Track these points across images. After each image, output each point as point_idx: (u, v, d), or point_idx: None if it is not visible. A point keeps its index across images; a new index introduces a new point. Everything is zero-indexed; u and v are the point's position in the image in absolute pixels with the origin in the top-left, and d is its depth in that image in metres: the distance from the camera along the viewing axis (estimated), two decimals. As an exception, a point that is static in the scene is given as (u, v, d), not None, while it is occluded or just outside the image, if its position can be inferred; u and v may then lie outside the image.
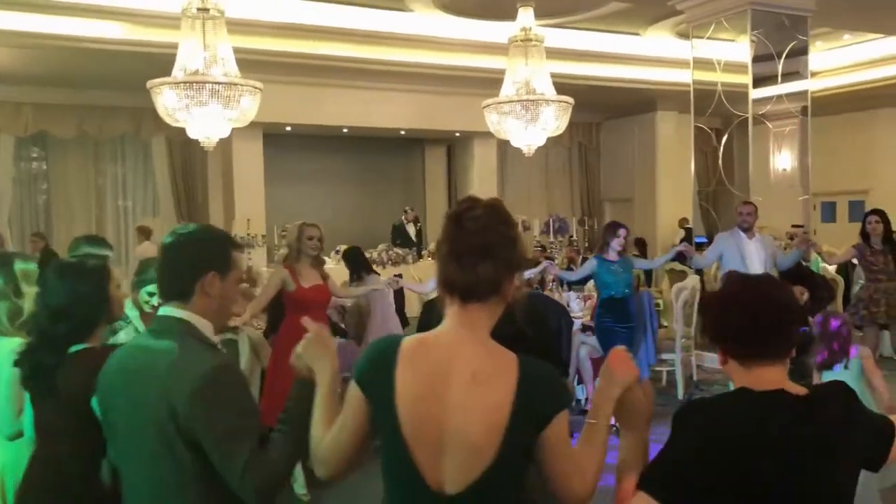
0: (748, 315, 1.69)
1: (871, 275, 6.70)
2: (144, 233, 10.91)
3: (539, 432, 1.58)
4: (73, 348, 2.28)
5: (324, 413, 1.74)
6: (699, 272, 8.64)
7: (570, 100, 8.92)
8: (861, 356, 4.31)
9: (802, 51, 8.45)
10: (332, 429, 1.70)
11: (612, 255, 6.45)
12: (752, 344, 1.70)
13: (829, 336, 4.32)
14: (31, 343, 2.35)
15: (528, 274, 7.29)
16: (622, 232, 6.46)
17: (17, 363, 2.35)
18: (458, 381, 1.58)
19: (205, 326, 1.92)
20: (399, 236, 13.24)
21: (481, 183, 14.02)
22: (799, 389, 1.70)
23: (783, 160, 8.77)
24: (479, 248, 1.60)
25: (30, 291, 3.01)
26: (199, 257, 1.94)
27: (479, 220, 1.62)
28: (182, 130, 7.53)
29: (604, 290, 6.47)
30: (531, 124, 8.75)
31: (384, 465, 1.66)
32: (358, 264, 7.10)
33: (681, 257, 8.10)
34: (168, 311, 1.92)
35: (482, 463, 1.56)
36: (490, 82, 9.96)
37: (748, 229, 6.67)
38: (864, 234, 6.76)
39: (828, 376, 4.30)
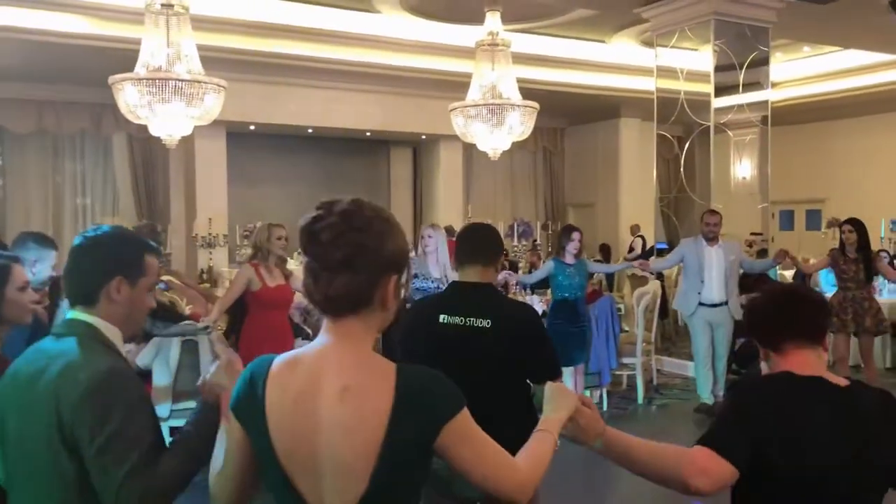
0: (790, 307, 1.99)
1: (842, 283, 6.82)
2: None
3: (430, 444, 1.48)
4: None
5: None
6: (660, 277, 8.75)
7: (536, 105, 8.98)
8: None
9: (763, 61, 8.61)
10: (221, 462, 1.61)
11: (568, 258, 6.56)
12: (790, 332, 1.95)
13: None
14: None
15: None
16: (576, 235, 6.59)
17: None
18: (328, 398, 1.47)
19: (112, 333, 1.82)
20: None
21: (447, 186, 14.04)
22: (838, 379, 1.92)
23: (743, 168, 8.92)
24: (335, 262, 1.48)
25: None
26: (106, 261, 1.84)
27: (333, 230, 1.48)
28: (143, 127, 7.44)
29: (557, 291, 6.56)
30: (497, 128, 8.79)
31: (268, 489, 1.56)
32: None
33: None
34: (74, 314, 1.83)
35: (360, 484, 1.46)
36: (456, 85, 9.98)
37: (712, 238, 6.75)
38: (841, 243, 6.91)
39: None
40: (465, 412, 1.51)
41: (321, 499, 1.49)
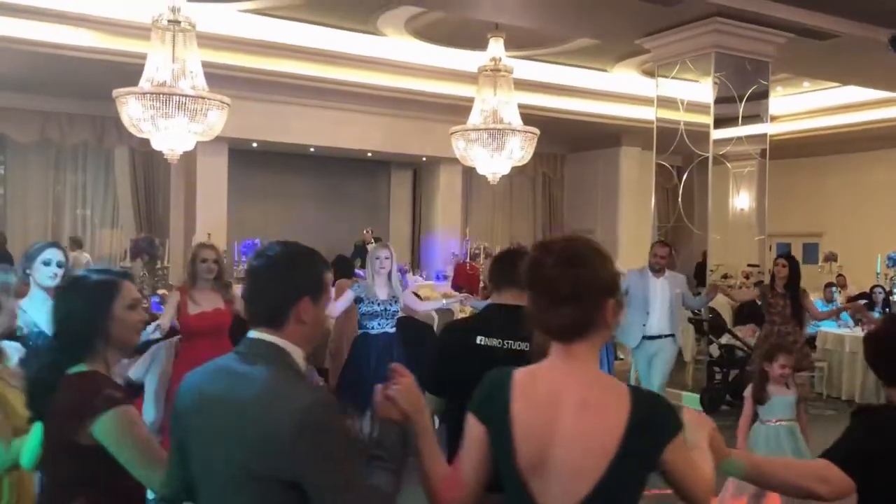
0: None
1: (769, 316, 6.85)
2: (77, 243, 11.00)
3: (657, 458, 1.67)
4: (73, 370, 2.07)
5: (434, 451, 1.79)
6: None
7: (536, 130, 9.05)
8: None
9: (763, 95, 8.68)
10: (462, 459, 1.77)
11: None
12: None
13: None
14: (39, 362, 2.17)
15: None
16: None
17: (26, 385, 2.18)
18: (569, 409, 1.66)
19: (297, 354, 1.78)
20: (360, 256, 13.20)
21: (446, 208, 14.08)
22: None
23: (741, 200, 8.96)
24: (561, 297, 1.66)
25: (8, 304, 2.87)
26: (295, 282, 1.78)
27: (556, 268, 1.67)
28: (146, 141, 7.48)
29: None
30: (497, 153, 8.85)
31: (502, 489, 1.74)
32: (341, 272, 7.14)
33: None
34: (259, 335, 1.77)
35: (584, 488, 1.64)
36: (458, 109, 10.06)
37: (659, 270, 6.62)
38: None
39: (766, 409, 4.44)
40: (681, 433, 1.72)
41: (547, 499, 1.66)
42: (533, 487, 1.67)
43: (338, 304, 5.74)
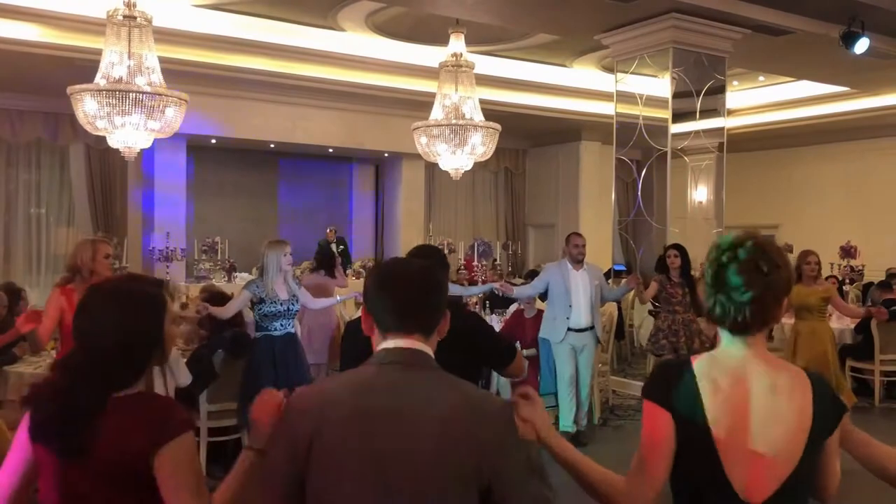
0: None
1: (670, 307, 6.93)
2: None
3: (832, 434, 1.77)
4: (124, 391, 1.88)
5: (591, 461, 1.81)
6: (618, 301, 8.83)
7: (498, 126, 9.07)
8: None
9: (720, 89, 8.82)
10: (649, 459, 1.77)
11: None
12: None
13: None
14: (60, 382, 1.86)
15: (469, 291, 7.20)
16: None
17: (33, 409, 1.87)
18: (759, 393, 1.74)
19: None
20: (325, 256, 13.09)
21: (408, 204, 14.06)
22: None
23: (699, 193, 9.10)
24: (755, 297, 1.75)
25: None
26: (445, 292, 1.86)
27: (743, 265, 1.76)
28: (102, 138, 7.35)
29: None
30: (459, 148, 8.86)
31: (686, 477, 1.77)
32: (322, 263, 7.47)
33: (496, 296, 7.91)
34: (405, 342, 1.74)
35: (786, 469, 1.71)
36: (420, 105, 10.05)
37: (579, 261, 6.52)
38: (664, 268, 7.04)
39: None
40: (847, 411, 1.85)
41: (745, 484, 1.71)
42: (732, 473, 1.71)
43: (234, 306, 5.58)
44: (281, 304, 5.36)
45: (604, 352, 7.67)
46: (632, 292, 7.98)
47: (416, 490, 1.60)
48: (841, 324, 8.41)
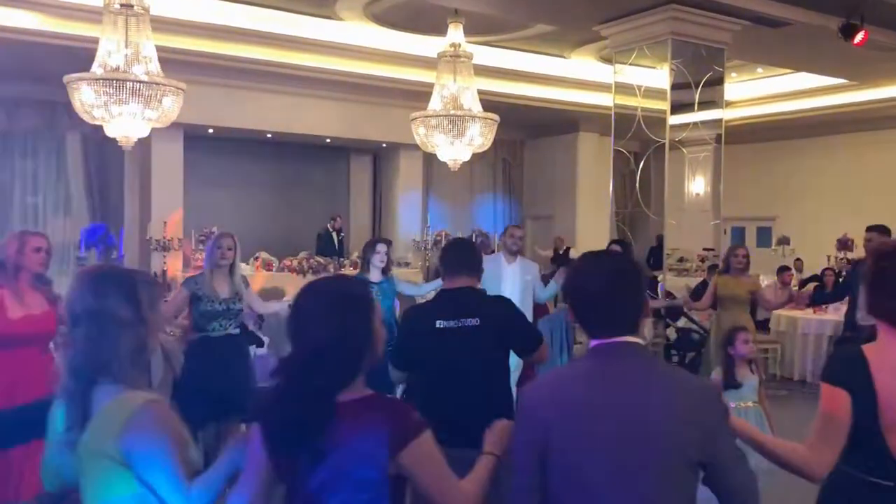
0: None
1: None
2: None
3: None
4: (346, 395, 1.89)
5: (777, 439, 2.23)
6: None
7: (496, 117, 9.05)
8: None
9: (718, 81, 8.79)
10: (831, 432, 2.07)
11: (373, 275, 5.79)
12: None
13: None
14: (287, 389, 1.86)
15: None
16: (381, 248, 5.87)
17: (263, 420, 1.89)
18: None
19: None
20: (323, 244, 13.10)
21: (406, 194, 14.04)
22: None
23: (697, 185, 9.10)
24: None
25: None
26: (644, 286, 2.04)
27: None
28: (99, 127, 7.32)
29: None
30: (457, 139, 8.84)
31: (854, 452, 2.07)
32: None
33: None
34: (619, 337, 1.88)
35: None
36: (418, 95, 10.02)
37: (515, 252, 6.37)
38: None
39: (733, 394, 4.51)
40: None
41: None
42: (889, 439, 2.02)
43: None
44: (220, 304, 4.81)
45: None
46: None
47: (651, 473, 1.75)
48: (837, 315, 8.43)
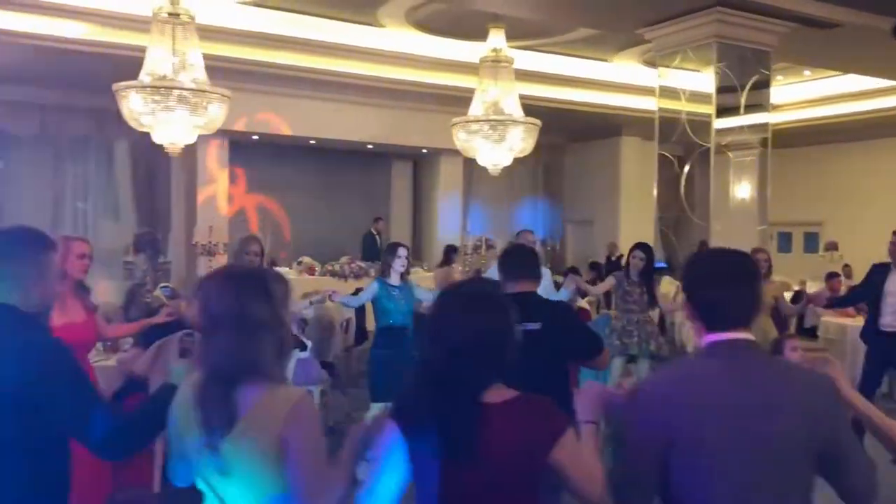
0: None
1: (626, 305, 6.75)
2: None
3: None
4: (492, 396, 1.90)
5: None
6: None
7: (538, 122, 9.02)
8: None
9: (764, 84, 8.65)
10: None
11: (393, 279, 5.75)
12: None
13: None
14: (430, 389, 1.86)
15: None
16: (402, 252, 5.81)
17: (404, 418, 1.89)
18: None
19: None
20: (367, 246, 13.19)
21: (446, 199, 14.08)
22: None
23: (743, 190, 8.93)
24: None
25: None
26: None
27: None
28: (146, 134, 7.45)
29: (382, 317, 5.71)
30: (498, 144, 8.82)
31: None
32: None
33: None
34: (740, 334, 1.89)
35: None
36: (459, 100, 10.03)
37: None
38: (627, 266, 6.91)
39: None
40: None
41: None
42: None
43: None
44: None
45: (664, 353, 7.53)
46: (673, 291, 7.93)
47: (779, 471, 1.76)
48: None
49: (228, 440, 1.87)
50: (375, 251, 12.83)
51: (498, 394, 1.87)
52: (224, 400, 1.88)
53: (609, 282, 7.02)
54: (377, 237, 13.21)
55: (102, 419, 2.13)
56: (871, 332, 6.57)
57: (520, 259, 3.63)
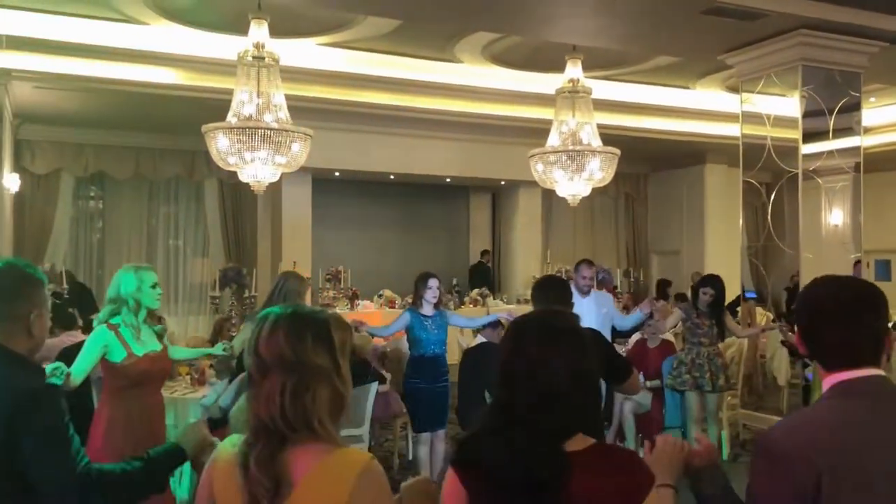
0: None
1: (695, 338, 6.56)
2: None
3: None
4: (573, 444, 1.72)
5: None
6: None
7: (617, 151, 8.90)
8: None
9: (855, 107, 8.33)
10: None
11: (426, 309, 5.78)
12: None
13: None
14: (511, 438, 1.66)
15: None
16: (433, 282, 5.81)
17: (463, 462, 1.72)
18: None
19: None
20: (483, 276, 14.03)
21: (525, 231, 14.02)
22: None
23: (834, 216, 8.58)
24: None
25: None
26: None
27: None
28: (233, 173, 7.70)
29: (415, 347, 5.76)
30: (577, 175, 8.74)
31: None
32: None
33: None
34: (870, 371, 1.74)
35: None
36: (536, 132, 10.02)
37: (587, 291, 6.37)
38: (695, 297, 6.66)
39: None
40: None
41: None
42: None
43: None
44: None
45: (734, 386, 7.33)
46: (765, 326, 7.74)
47: None
48: None
49: None
50: (488, 280, 13.80)
51: (578, 442, 1.69)
52: (270, 461, 1.58)
53: (677, 315, 6.86)
54: (489, 267, 14.24)
55: (69, 485, 1.92)
56: None
57: (549, 288, 3.81)
